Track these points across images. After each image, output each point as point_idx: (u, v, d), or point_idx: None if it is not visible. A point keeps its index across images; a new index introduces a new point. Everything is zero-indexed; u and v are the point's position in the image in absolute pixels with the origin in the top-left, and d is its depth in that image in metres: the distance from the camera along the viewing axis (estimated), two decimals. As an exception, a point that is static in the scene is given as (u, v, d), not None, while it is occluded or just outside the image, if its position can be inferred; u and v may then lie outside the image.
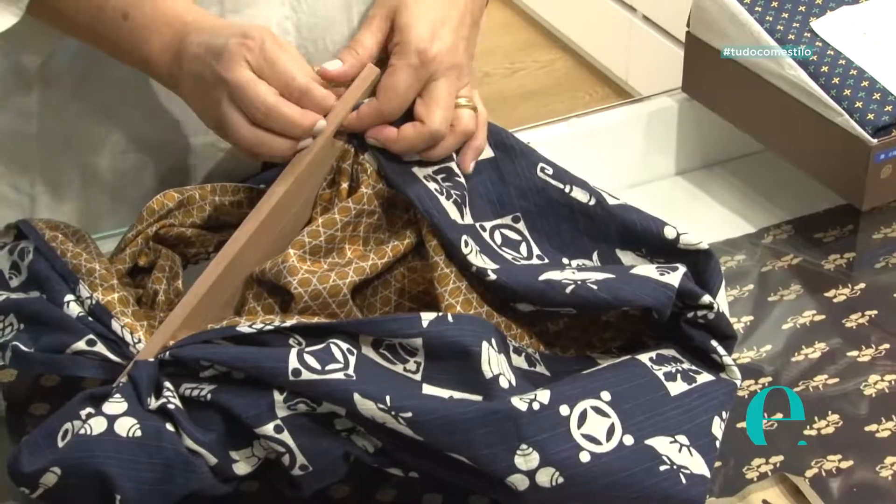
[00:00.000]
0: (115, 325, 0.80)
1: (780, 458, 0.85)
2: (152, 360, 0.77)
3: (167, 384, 0.76)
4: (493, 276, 0.81)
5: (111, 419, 0.74)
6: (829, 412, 0.89)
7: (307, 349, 0.75)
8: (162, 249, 0.88)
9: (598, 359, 0.84)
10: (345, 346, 0.76)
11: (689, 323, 0.81)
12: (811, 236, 1.08)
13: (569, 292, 0.80)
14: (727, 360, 0.81)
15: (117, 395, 0.75)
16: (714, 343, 0.81)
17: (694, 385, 0.79)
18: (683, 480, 0.75)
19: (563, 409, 0.74)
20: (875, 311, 0.98)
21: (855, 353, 0.95)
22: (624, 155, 1.17)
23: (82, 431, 0.73)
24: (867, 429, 0.88)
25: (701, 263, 0.84)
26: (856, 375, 0.92)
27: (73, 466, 0.73)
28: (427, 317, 0.76)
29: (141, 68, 0.89)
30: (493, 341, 0.76)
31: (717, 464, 0.85)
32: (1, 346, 0.81)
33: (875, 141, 1.04)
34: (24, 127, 1.02)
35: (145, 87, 0.98)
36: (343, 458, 0.76)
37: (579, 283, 0.80)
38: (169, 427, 0.74)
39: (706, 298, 0.81)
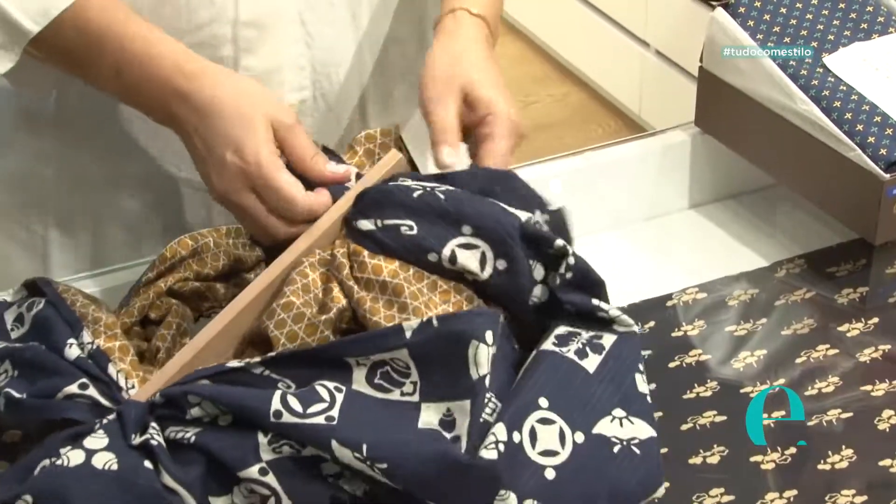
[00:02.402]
0: (112, 369, 0.80)
1: (794, 492, 0.85)
2: (143, 401, 0.77)
3: (153, 424, 0.76)
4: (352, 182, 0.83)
5: (90, 453, 0.73)
6: (843, 447, 0.89)
7: (289, 391, 0.75)
8: (173, 305, 0.88)
9: None
10: (332, 384, 0.75)
11: (562, 286, 0.81)
12: (824, 270, 1.08)
13: (416, 196, 0.81)
14: (613, 312, 0.82)
15: (100, 432, 0.75)
16: (595, 302, 0.81)
17: (605, 353, 0.80)
18: (637, 451, 0.77)
19: (516, 436, 0.75)
20: (889, 346, 0.98)
21: (869, 387, 0.95)
22: (637, 188, 1.17)
23: (59, 462, 0.73)
24: (881, 464, 0.88)
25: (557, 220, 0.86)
26: (870, 410, 0.92)
27: (44, 495, 0.72)
28: (409, 326, 0.76)
29: None
30: (488, 334, 0.75)
31: (730, 497, 0.85)
32: None
33: (888, 176, 1.04)
34: (40, 168, 1.03)
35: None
36: (331, 503, 0.76)
37: (428, 189, 0.81)
38: (147, 464, 0.73)
39: (559, 242, 0.81)
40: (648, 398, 0.80)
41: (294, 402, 0.74)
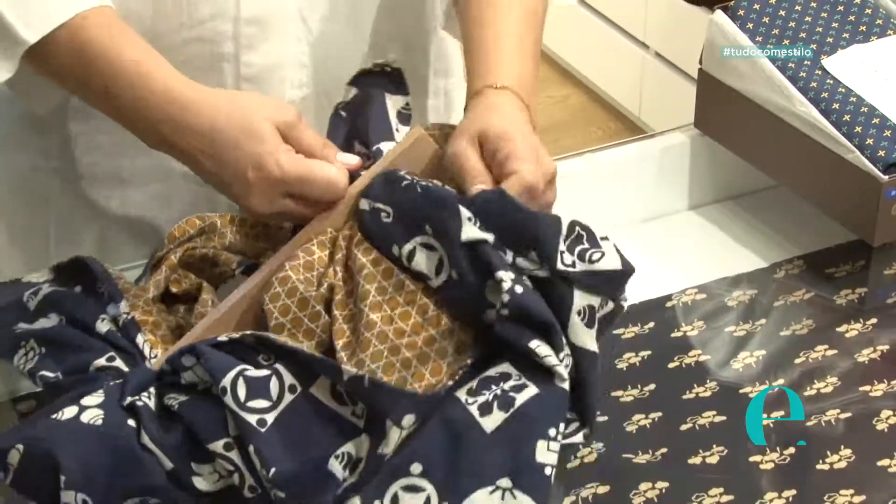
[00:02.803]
0: (140, 339, 0.83)
1: (793, 492, 0.86)
2: (154, 369, 0.80)
3: (151, 389, 0.78)
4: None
5: (82, 409, 0.76)
6: (842, 447, 0.89)
7: (247, 373, 0.76)
8: (203, 283, 0.89)
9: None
10: (290, 381, 0.76)
11: (499, 319, 0.77)
12: (823, 271, 1.08)
13: (402, 185, 0.82)
14: (549, 360, 0.76)
15: (100, 392, 0.77)
16: (533, 345, 0.76)
17: (512, 411, 0.75)
18: None
19: None
20: (887, 346, 0.99)
21: (867, 387, 0.95)
22: (637, 190, 1.18)
23: (54, 416, 0.76)
24: (879, 464, 0.88)
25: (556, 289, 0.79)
26: (868, 410, 0.93)
27: (34, 444, 0.75)
28: (348, 371, 0.76)
29: None
30: (407, 418, 0.75)
31: (730, 497, 0.85)
32: (30, 372, 0.83)
33: (886, 177, 1.04)
34: (45, 164, 1.03)
35: None
36: None
37: (415, 180, 0.82)
38: (131, 423, 0.76)
39: (499, 275, 0.77)
40: (548, 469, 0.74)
41: (241, 388, 0.75)
